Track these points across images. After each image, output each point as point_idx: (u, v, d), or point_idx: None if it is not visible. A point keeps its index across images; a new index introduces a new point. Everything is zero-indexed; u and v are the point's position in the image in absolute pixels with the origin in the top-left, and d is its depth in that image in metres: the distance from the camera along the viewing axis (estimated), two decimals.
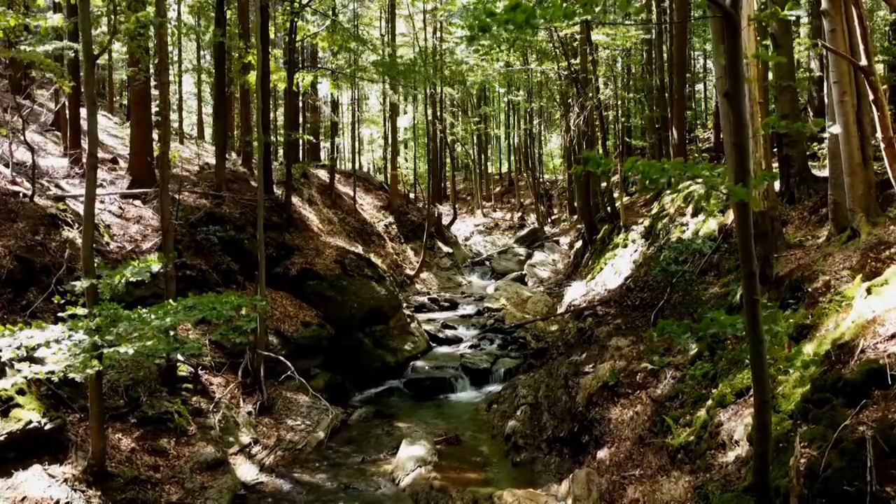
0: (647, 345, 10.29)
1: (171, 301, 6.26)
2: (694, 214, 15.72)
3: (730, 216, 13.35)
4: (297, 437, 10.44)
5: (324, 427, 10.84)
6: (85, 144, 19.06)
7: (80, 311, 6.47)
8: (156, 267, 6.41)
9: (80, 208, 12.07)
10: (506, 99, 45.59)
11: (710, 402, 6.78)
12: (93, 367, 5.84)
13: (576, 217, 34.66)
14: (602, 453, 8.14)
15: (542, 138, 47.73)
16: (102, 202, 12.63)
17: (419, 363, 14.81)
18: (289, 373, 12.71)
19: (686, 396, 7.73)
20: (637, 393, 8.82)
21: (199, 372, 10.44)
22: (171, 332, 5.84)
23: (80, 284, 6.76)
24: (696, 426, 6.72)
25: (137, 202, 13.26)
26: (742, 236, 3.21)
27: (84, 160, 14.68)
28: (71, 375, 6.05)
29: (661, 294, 13.08)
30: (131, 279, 6.65)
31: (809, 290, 6.86)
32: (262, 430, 10.31)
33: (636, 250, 17.89)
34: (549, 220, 38.40)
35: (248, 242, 13.97)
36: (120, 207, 12.83)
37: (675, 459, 6.83)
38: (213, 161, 23.14)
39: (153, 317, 5.86)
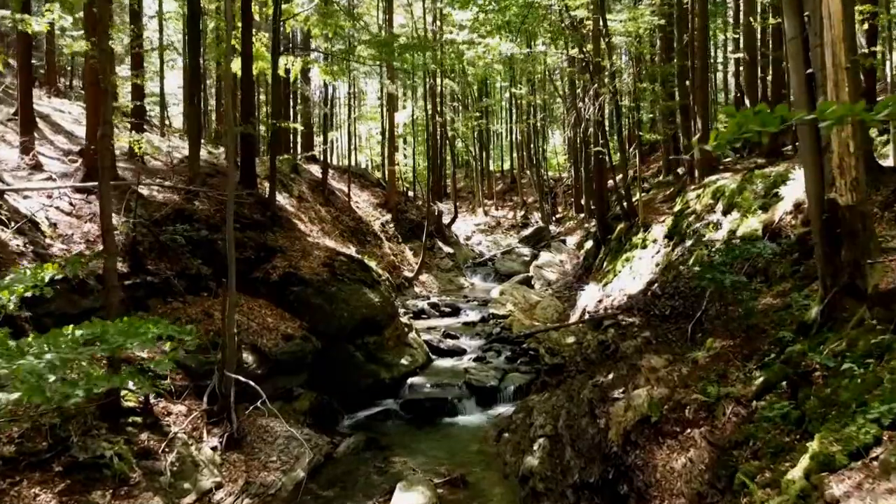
0: (692, 367, 8.56)
1: (65, 329, 4.51)
2: (726, 212, 13.99)
3: (776, 213, 11.64)
4: (271, 478, 8.70)
5: (304, 464, 9.11)
6: (52, 135, 17.34)
7: None
8: (49, 274, 4.66)
9: (22, 204, 10.35)
10: (507, 94, 43.88)
11: (806, 462, 5.04)
12: None
13: (582, 215, 32.97)
14: None
15: (546, 134, 45.97)
16: (50, 197, 10.90)
17: (417, 380, 13.08)
18: (268, 392, 11.04)
19: (760, 444, 5.99)
20: (688, 432, 7.08)
21: (154, 400, 8.70)
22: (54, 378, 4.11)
23: None
24: (790, 495, 4.98)
25: (93, 197, 11.51)
26: None
27: (35, 150, 12.96)
28: None
29: (698, 303, 11.36)
30: (25, 294, 4.91)
31: None
32: (229, 469, 8.57)
33: (658, 251, 16.15)
34: (554, 219, 36.73)
35: (223, 243, 12.20)
36: (71, 203, 11.09)
37: None
38: (200, 155, 21.42)
39: (34, 350, 4.12)
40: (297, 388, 11.54)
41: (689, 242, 14.50)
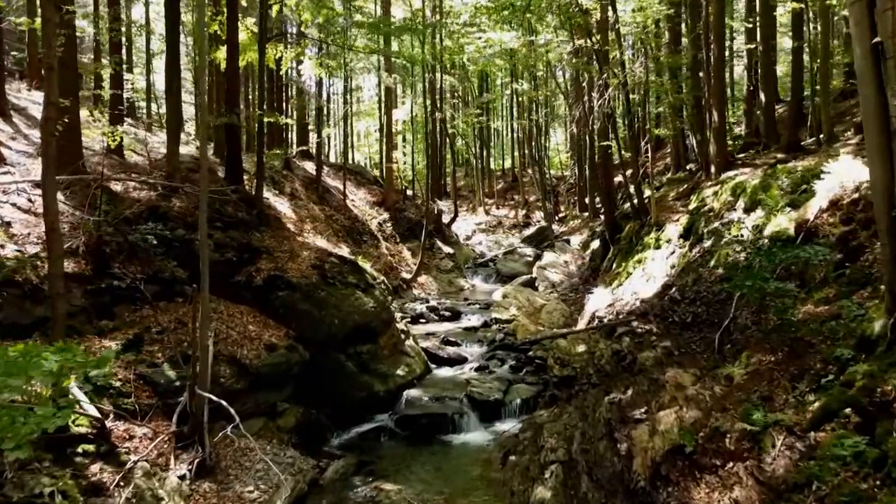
0: (727, 386, 7.49)
1: None
2: (748, 210, 12.93)
3: (809, 210, 10.56)
4: None
5: (285, 495, 8.04)
6: (28, 129, 16.26)
7: None
8: None
9: None
10: (508, 90, 42.77)
11: None
12: None
13: (586, 214, 31.90)
14: None
15: (548, 131, 44.86)
16: (5, 192, 9.83)
17: (415, 392, 12.01)
18: (250, 409, 10.00)
19: (828, 489, 4.93)
20: (731, 467, 6.03)
21: (113, 423, 7.63)
22: None
23: None
24: None
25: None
26: None
27: (0, 142, 11.89)
28: None
29: (723, 309, 10.31)
30: None
31: None
32: (198, 503, 7.51)
33: (673, 252, 15.09)
34: (556, 219, 35.66)
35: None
36: (29, 200, 10.02)
37: None
38: (184, 151, 20.34)
39: None
40: (282, 403, 10.48)
41: (707, 243, 13.45)
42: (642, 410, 8.22)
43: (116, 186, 12.16)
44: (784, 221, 11.14)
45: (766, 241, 11.05)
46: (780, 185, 12.62)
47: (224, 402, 7.95)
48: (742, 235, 11.99)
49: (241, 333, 10.50)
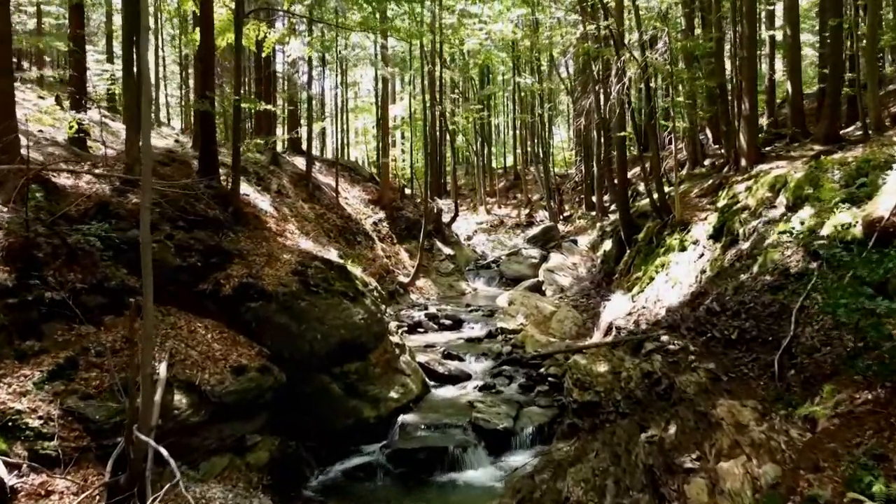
0: (810, 432, 5.82)
1: None
2: (793, 207, 11.28)
3: (878, 206, 8.89)
4: None
5: None
6: None
7: None
8: None
9: None
10: (510, 86, 41.10)
11: None
12: None
13: (594, 213, 30.26)
14: None
15: (551, 127, 43.15)
16: None
17: (411, 418, 10.34)
18: (212, 444, 8.38)
19: None
20: None
21: (20, 480, 5.95)
22: None
23: None
24: None
25: None
26: None
27: None
28: None
29: (777, 324, 8.64)
30: None
31: None
32: None
33: (701, 255, 13.43)
34: (561, 218, 33.99)
35: (158, 245, 9.49)
36: None
37: None
38: (161, 144, 18.72)
39: None
40: (253, 436, 8.80)
41: (745, 244, 11.78)
42: (693, 457, 6.57)
43: (66, 180, 10.50)
44: (845, 219, 9.48)
45: (825, 242, 9.42)
46: (832, 178, 10.99)
47: (163, 450, 6.25)
48: (790, 236, 10.33)
49: (203, 353, 8.83)
